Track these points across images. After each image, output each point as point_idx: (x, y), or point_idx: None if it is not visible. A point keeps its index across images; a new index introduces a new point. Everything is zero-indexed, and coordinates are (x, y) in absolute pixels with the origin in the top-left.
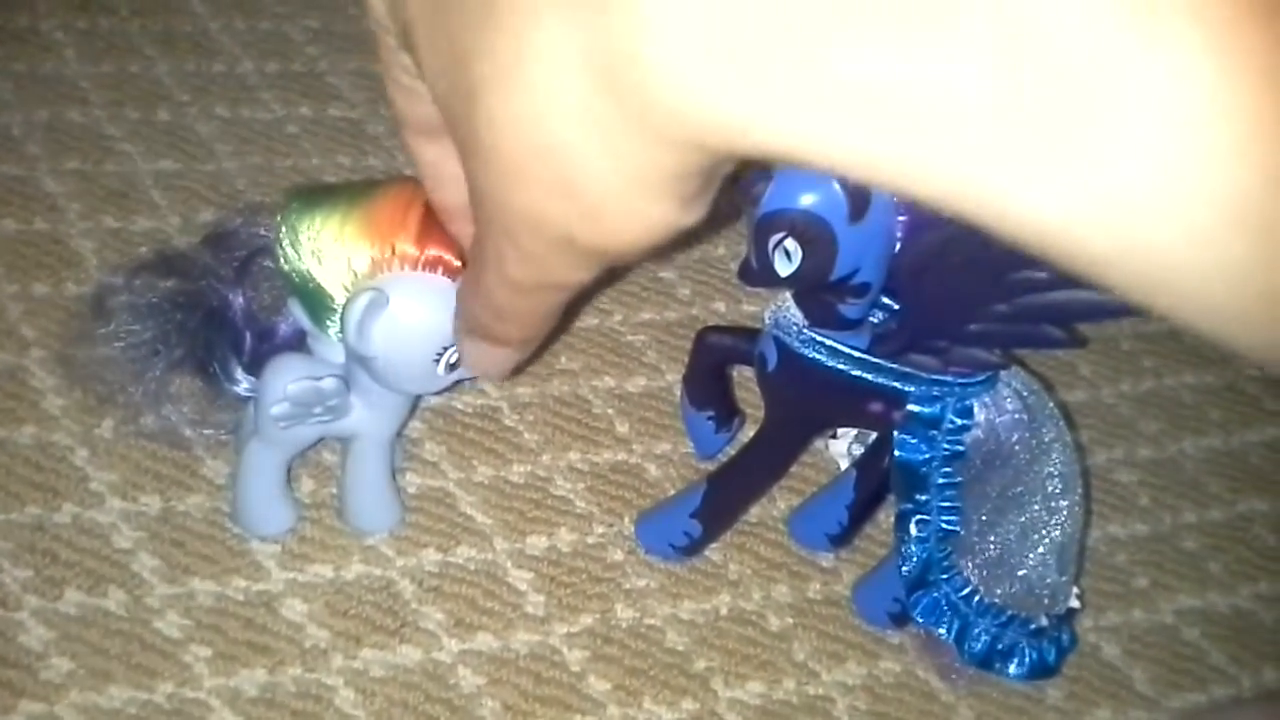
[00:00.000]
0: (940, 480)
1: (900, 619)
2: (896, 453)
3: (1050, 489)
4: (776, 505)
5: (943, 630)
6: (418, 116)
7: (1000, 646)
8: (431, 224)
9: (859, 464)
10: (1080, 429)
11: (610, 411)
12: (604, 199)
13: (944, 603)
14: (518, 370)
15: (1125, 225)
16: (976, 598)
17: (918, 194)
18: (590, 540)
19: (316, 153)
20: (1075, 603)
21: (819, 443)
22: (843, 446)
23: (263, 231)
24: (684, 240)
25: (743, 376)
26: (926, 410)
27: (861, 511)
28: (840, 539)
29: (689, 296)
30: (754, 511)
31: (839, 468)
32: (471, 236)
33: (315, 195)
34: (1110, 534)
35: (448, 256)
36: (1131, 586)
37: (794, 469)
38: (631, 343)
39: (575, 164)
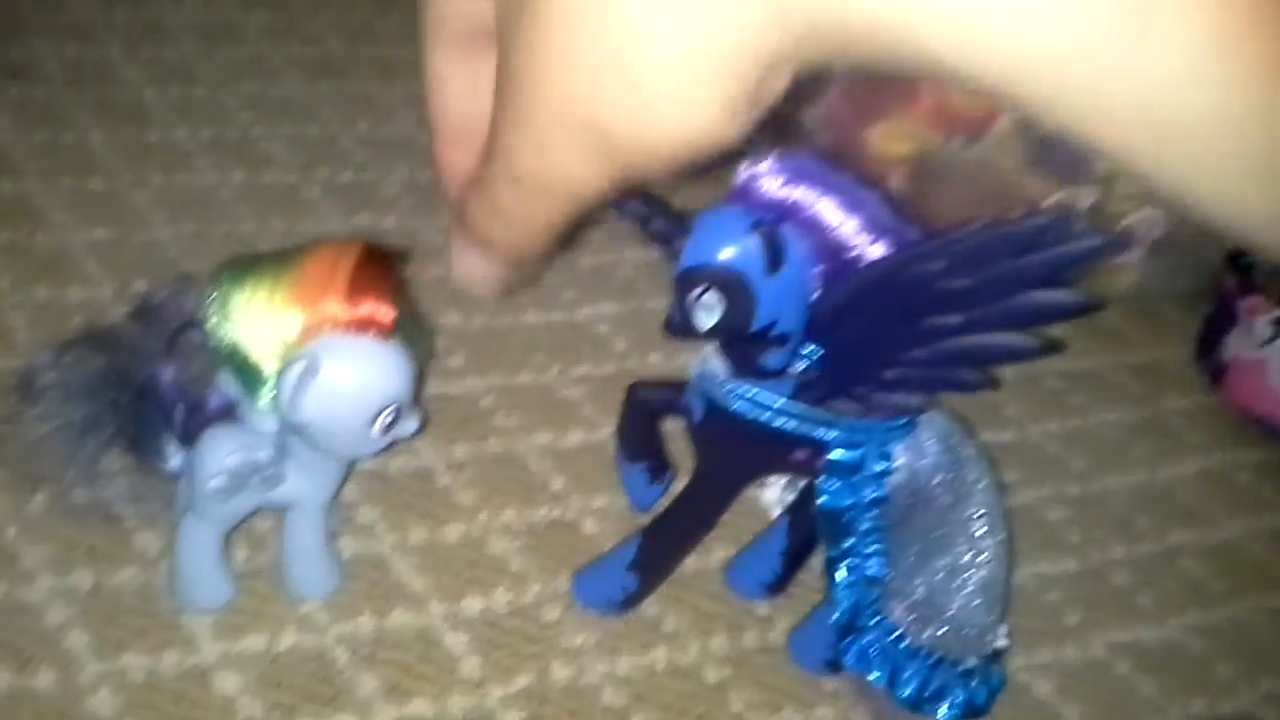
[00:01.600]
0: (865, 525)
1: (837, 665)
2: (820, 499)
3: (975, 530)
4: (713, 556)
5: (874, 675)
6: (461, 14)
7: (931, 689)
8: (360, 282)
9: (790, 510)
10: (1007, 469)
11: (547, 467)
12: (652, 79)
13: (874, 647)
14: (507, 292)
15: (1157, 98)
16: (905, 641)
17: (999, 71)
18: (526, 599)
19: (251, 218)
20: (1003, 642)
21: (751, 491)
22: (773, 494)
23: (190, 303)
24: (700, 170)
25: (676, 428)
26: (848, 456)
27: (795, 558)
28: (776, 586)
29: (625, 349)
30: (690, 563)
31: (772, 516)
32: (461, 164)
33: (244, 266)
34: (1040, 572)
35: (379, 314)
36: (1062, 624)
37: (729, 519)
38: (568, 397)
39: (633, 36)
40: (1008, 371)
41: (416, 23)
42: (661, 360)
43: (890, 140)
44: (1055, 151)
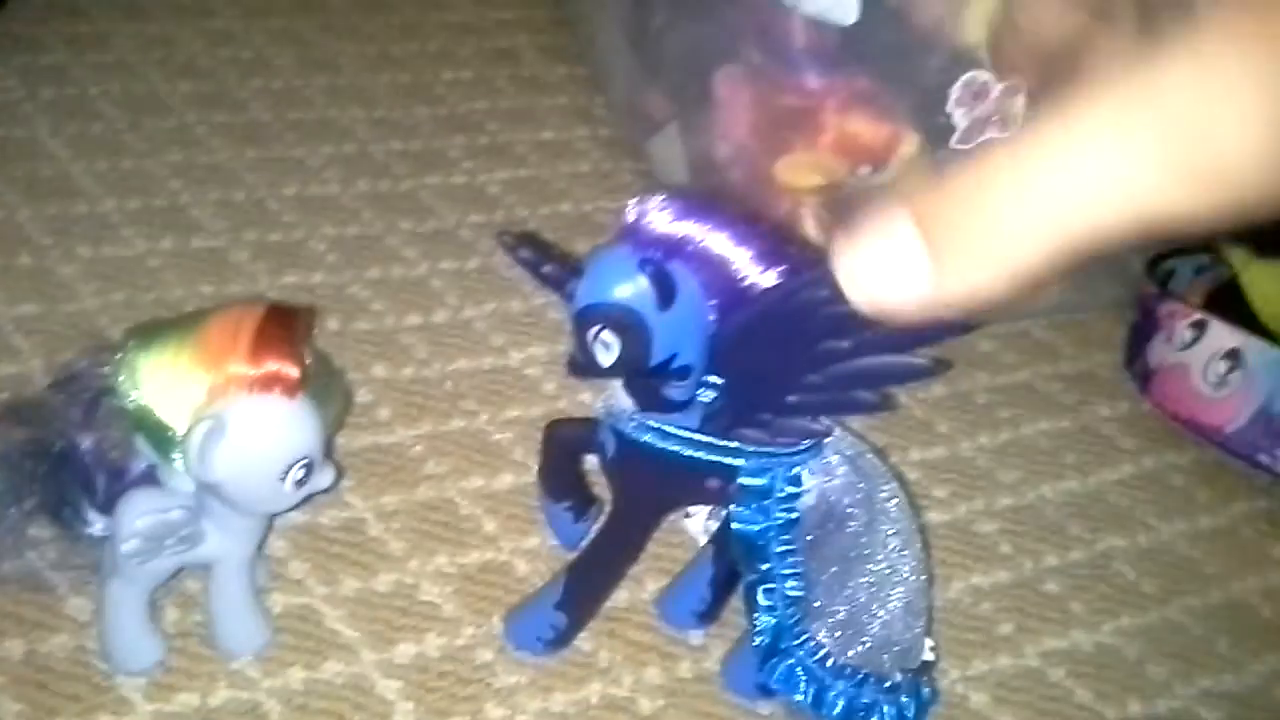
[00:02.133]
0: (779, 548)
1: (769, 689)
2: (733, 525)
3: (891, 547)
4: (645, 588)
5: (800, 696)
6: None
7: (859, 706)
8: (264, 342)
9: (715, 538)
10: (939, 484)
11: (478, 511)
12: None
13: (799, 668)
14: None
15: None
16: (830, 661)
17: None
18: (459, 643)
19: (179, 284)
20: (929, 655)
21: (681, 521)
22: (698, 524)
23: (108, 370)
24: None
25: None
26: (757, 482)
27: (724, 585)
28: (707, 615)
29: (555, 391)
30: (622, 596)
31: (700, 544)
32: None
33: (150, 331)
34: (973, 584)
35: (284, 371)
36: (995, 634)
37: (660, 549)
38: (498, 441)
39: None
40: (938, 389)
41: (343, 86)
42: (592, 400)
43: (797, 172)
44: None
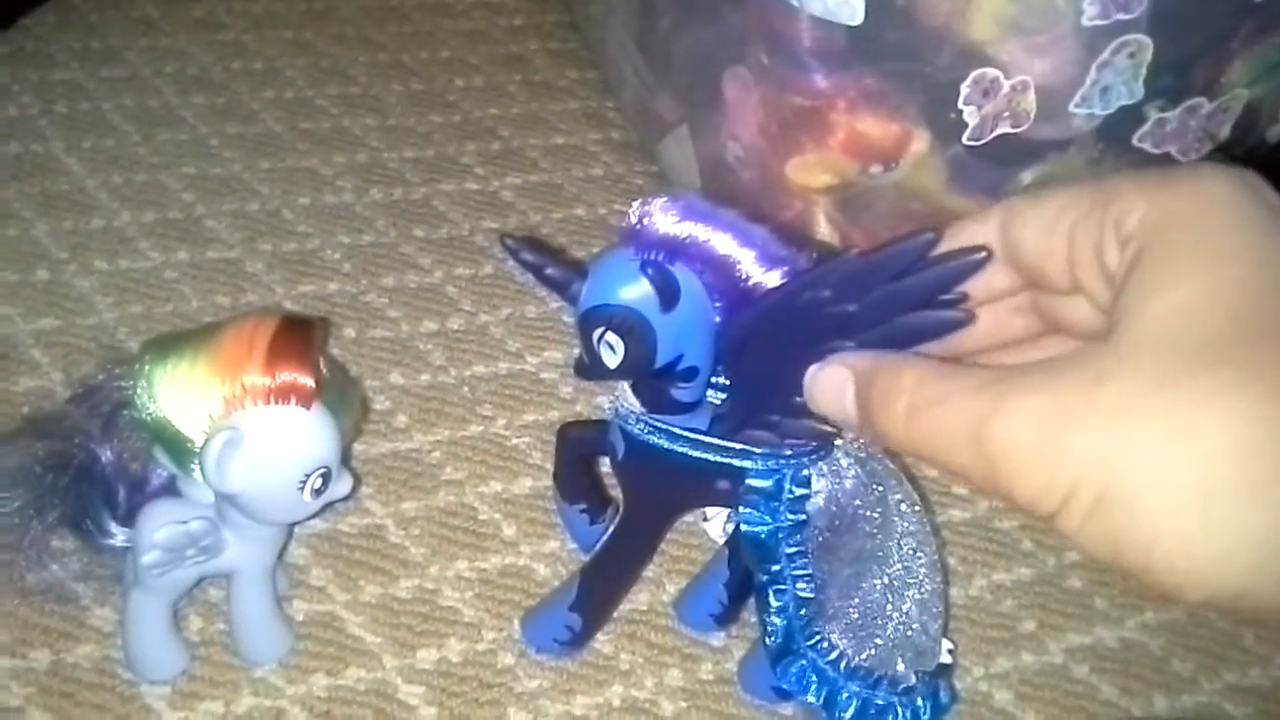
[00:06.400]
0: (789, 550)
1: (785, 692)
2: (742, 526)
3: (905, 548)
4: (665, 590)
5: (811, 698)
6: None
7: (872, 709)
8: (278, 352)
9: (730, 541)
10: (956, 480)
11: (497, 516)
12: None
13: (810, 669)
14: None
15: None
16: (843, 662)
17: None
18: (480, 647)
19: (195, 295)
20: (946, 658)
21: (700, 524)
22: (718, 526)
23: (125, 383)
24: None
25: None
26: (766, 483)
27: (739, 588)
28: (724, 618)
29: (571, 395)
30: (643, 599)
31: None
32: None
33: (165, 343)
34: (995, 581)
35: (299, 382)
36: (1018, 631)
37: (680, 552)
38: (516, 446)
39: None
40: None
41: (355, 95)
42: (610, 402)
43: (808, 173)
44: (974, 168)
